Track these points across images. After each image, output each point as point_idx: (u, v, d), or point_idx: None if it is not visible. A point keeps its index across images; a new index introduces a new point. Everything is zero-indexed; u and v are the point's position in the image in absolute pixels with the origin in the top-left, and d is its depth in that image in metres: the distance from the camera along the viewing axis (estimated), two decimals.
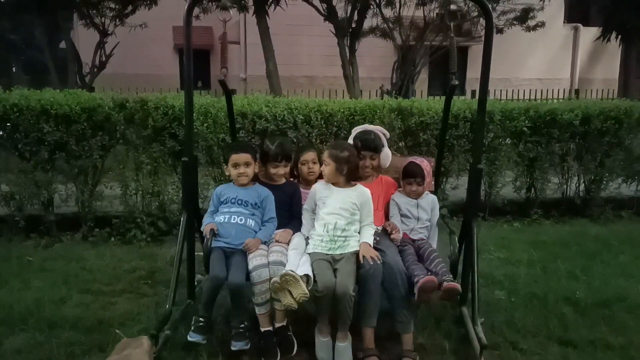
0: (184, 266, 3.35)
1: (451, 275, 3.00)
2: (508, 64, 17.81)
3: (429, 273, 2.97)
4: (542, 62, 18.47)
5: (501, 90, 14.26)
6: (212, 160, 5.27)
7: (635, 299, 3.74)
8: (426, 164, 3.47)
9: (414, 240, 3.29)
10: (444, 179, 5.93)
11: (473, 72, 18.49)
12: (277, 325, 3.04)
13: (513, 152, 6.01)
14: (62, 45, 15.68)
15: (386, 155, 3.42)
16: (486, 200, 6.13)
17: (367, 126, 3.54)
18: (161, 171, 5.28)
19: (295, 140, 5.12)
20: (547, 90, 14.96)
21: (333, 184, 3.14)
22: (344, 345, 2.93)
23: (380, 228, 3.26)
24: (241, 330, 2.94)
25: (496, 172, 5.99)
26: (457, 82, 3.32)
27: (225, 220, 3.18)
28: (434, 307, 3.55)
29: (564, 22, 18.95)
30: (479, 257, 4.47)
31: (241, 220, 3.18)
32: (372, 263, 2.92)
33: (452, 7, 10.96)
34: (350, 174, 3.11)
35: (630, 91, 13.01)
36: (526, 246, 4.92)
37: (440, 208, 5.69)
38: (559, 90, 15.11)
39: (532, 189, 6.26)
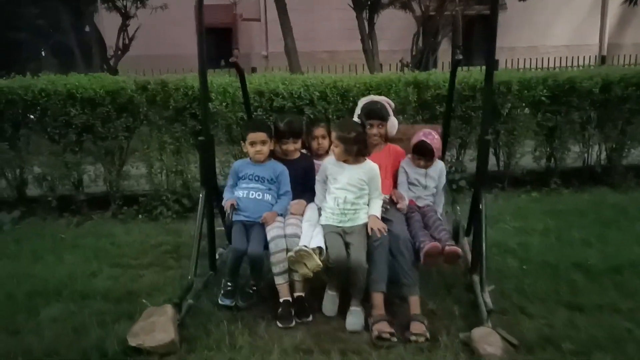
0: (205, 240, 3.55)
1: (453, 241, 3.17)
2: (534, 31, 17.38)
3: (433, 239, 3.13)
4: (569, 28, 17.91)
5: (525, 59, 14.02)
6: (232, 139, 5.43)
7: None
8: (436, 138, 3.55)
9: (420, 207, 3.44)
10: (463, 151, 5.97)
11: (498, 41, 18.09)
12: (296, 294, 3.24)
13: (532, 121, 5.99)
14: (87, 29, 15.95)
15: (392, 123, 3.58)
16: (505, 171, 6.15)
17: (373, 97, 3.69)
18: (183, 150, 5.46)
19: (311, 117, 5.22)
20: (575, 57, 14.59)
21: (343, 161, 3.26)
22: (357, 309, 3.12)
23: (388, 197, 3.40)
24: (250, 291, 3.34)
25: (515, 142, 5.98)
26: (461, 57, 3.37)
27: (244, 196, 3.41)
28: (446, 275, 3.66)
29: None
30: (495, 227, 4.61)
31: (259, 195, 3.41)
32: (379, 235, 3.10)
33: None
34: (359, 152, 3.24)
35: None
36: (542, 215, 4.95)
37: (459, 180, 5.84)
38: (585, 57, 14.73)
39: (552, 159, 6.23)
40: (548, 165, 6.26)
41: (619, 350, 2.73)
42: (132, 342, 2.81)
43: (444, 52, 15.86)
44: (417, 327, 2.95)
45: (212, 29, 14.99)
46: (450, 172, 5.96)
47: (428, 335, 2.91)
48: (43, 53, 19.04)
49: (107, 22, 15.80)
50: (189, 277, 3.31)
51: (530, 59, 14.02)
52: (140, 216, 5.33)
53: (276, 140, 3.54)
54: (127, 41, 14.82)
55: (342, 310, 3.18)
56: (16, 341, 2.93)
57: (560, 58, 14.33)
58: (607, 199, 5.48)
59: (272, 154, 3.55)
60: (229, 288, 3.28)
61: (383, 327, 2.93)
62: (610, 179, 6.17)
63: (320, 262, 3.04)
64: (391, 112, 3.61)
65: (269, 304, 3.32)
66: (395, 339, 2.89)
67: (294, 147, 3.55)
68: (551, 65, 13.75)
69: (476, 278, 3.36)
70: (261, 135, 3.43)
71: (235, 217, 3.34)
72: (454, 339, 2.89)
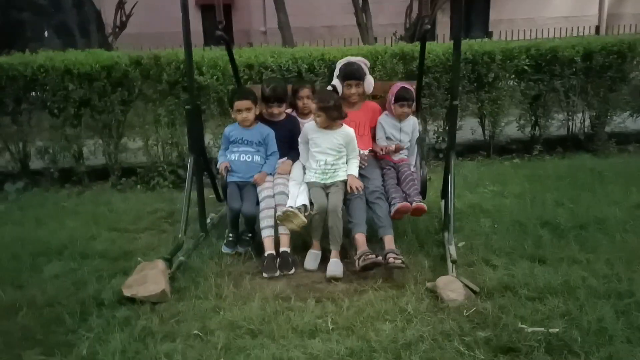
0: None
1: (420, 197, 3.55)
2: (532, 2, 17.36)
3: (404, 194, 3.53)
4: None
5: (525, 31, 14.04)
6: (224, 111, 5.63)
7: (613, 222, 3.97)
8: (413, 89, 3.82)
9: (395, 162, 3.75)
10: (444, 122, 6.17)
11: (496, 14, 18.13)
12: (281, 249, 3.53)
13: (516, 90, 6.17)
14: (85, 7, 16.04)
15: (369, 82, 3.84)
16: (490, 140, 6.35)
17: (350, 58, 3.93)
18: (178, 123, 5.69)
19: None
20: (574, 28, 14.61)
21: (324, 127, 3.56)
22: (335, 260, 3.44)
23: (367, 152, 3.72)
24: (247, 238, 3.77)
25: (499, 111, 6.17)
26: (429, 27, 3.58)
27: (236, 159, 3.79)
28: (420, 233, 3.90)
29: None
30: (474, 191, 4.85)
31: (249, 157, 3.79)
32: (356, 192, 3.49)
33: None
34: (338, 117, 3.55)
35: None
36: (521, 180, 5.17)
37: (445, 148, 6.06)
38: (584, 27, 14.74)
39: (537, 127, 6.42)
40: (533, 133, 6.46)
41: (571, 295, 2.96)
42: (127, 292, 3.08)
43: (443, 25, 15.94)
44: (394, 256, 3.30)
45: (209, 5, 15.09)
46: (438, 141, 6.18)
47: (402, 258, 3.27)
48: (46, 34, 19.20)
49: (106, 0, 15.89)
50: (179, 236, 3.58)
51: (531, 30, 14.03)
52: (138, 186, 5.60)
53: (263, 103, 3.85)
54: (124, 18, 14.94)
55: (321, 269, 3.46)
56: (21, 294, 3.21)
57: (560, 29, 14.35)
58: (585, 164, 5.68)
59: (260, 117, 3.87)
60: (230, 238, 3.76)
61: (368, 255, 3.27)
62: (593, 146, 6.38)
63: (305, 219, 3.41)
64: (367, 71, 3.88)
65: (253, 261, 3.60)
66: (380, 258, 3.25)
67: (278, 111, 3.88)
68: (551, 36, 13.77)
69: (446, 234, 3.60)
70: (246, 103, 3.75)
71: (229, 178, 3.75)
72: (420, 287, 3.15)
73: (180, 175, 5.63)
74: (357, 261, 3.31)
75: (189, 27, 3.61)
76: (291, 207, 3.47)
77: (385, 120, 3.83)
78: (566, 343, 2.52)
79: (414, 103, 3.84)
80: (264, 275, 3.38)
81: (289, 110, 4.00)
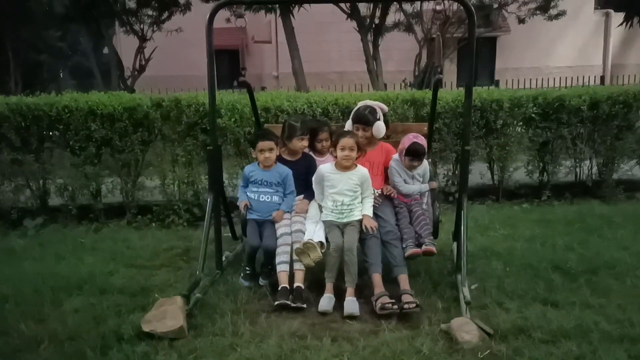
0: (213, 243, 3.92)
1: (432, 237, 3.65)
2: (537, 52, 17.79)
3: (416, 234, 3.65)
4: (572, 49, 18.31)
5: (530, 79, 14.37)
6: (239, 152, 5.81)
7: (623, 267, 4.02)
8: (424, 140, 3.93)
9: (407, 202, 3.87)
10: (459, 165, 6.28)
11: (502, 62, 18.55)
12: (296, 284, 3.62)
13: (524, 137, 6.31)
14: (105, 51, 16.67)
15: (377, 128, 3.94)
16: (499, 184, 6.46)
17: (368, 102, 4.09)
18: (195, 163, 5.85)
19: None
20: (579, 77, 14.92)
21: (344, 167, 3.70)
22: (351, 299, 3.49)
23: (379, 191, 3.87)
24: (266, 270, 3.89)
25: (507, 157, 6.29)
26: (441, 76, 3.75)
27: (255, 198, 3.95)
28: (433, 275, 3.96)
29: (595, 8, 18.69)
30: (484, 234, 4.92)
31: (268, 198, 3.95)
32: (371, 232, 3.61)
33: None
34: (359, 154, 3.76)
35: None
36: (531, 224, 5.24)
37: (455, 192, 6.16)
38: (590, 77, 15.04)
39: (545, 173, 6.53)
40: (541, 179, 6.56)
41: (584, 339, 3.00)
42: (146, 328, 3.15)
43: (451, 73, 16.33)
44: (408, 298, 3.39)
45: (225, 50, 15.61)
46: (447, 185, 6.29)
47: (417, 302, 3.33)
48: (62, 74, 19.83)
49: (125, 44, 16.50)
50: (197, 273, 3.66)
51: (537, 79, 14.35)
52: (153, 224, 5.71)
53: (287, 141, 4.02)
54: (143, 62, 15.49)
55: (336, 308, 3.50)
56: (42, 327, 3.27)
57: (566, 78, 14.67)
58: (594, 210, 5.75)
59: (279, 156, 4.04)
60: (247, 272, 3.91)
61: (385, 300, 3.35)
62: (601, 193, 6.45)
63: (321, 254, 3.56)
64: (380, 116, 3.99)
65: (268, 299, 3.65)
66: (396, 307, 3.30)
67: (307, 143, 4.06)
68: (556, 85, 14.06)
69: (459, 276, 3.66)
70: (269, 144, 3.92)
71: (249, 216, 3.92)
72: (435, 328, 3.19)
73: (195, 213, 5.75)
74: (374, 302, 3.40)
75: (214, 72, 3.81)
76: (310, 239, 3.61)
77: (398, 165, 3.93)
78: None
79: (424, 155, 3.91)
80: (277, 302, 3.46)
81: (305, 150, 4.14)
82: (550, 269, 4.04)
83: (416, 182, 3.92)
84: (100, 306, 3.57)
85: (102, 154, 5.75)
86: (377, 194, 3.83)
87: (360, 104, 4.11)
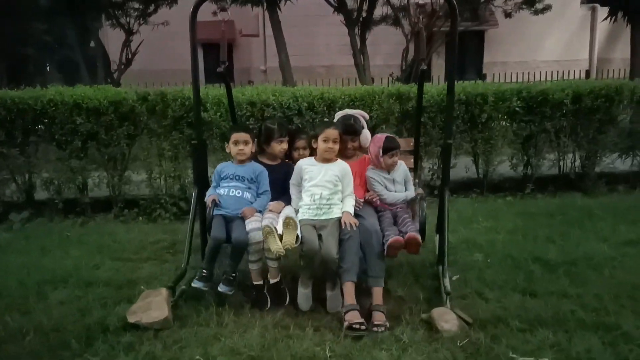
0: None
1: (417, 232, 3.45)
2: (524, 46, 17.92)
3: (400, 234, 3.44)
4: (559, 44, 18.46)
5: (517, 73, 14.48)
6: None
7: (601, 259, 4.11)
8: (392, 135, 3.84)
9: (391, 208, 3.69)
10: (438, 160, 6.35)
11: (490, 56, 18.67)
12: (272, 281, 3.53)
13: (508, 131, 6.39)
14: (92, 44, 16.55)
15: (365, 136, 3.85)
16: (483, 178, 6.54)
17: (348, 111, 3.99)
18: (181, 157, 5.87)
19: (299, 126, 5.62)
20: (565, 71, 15.07)
21: (324, 160, 3.60)
22: (333, 293, 3.46)
23: (362, 200, 3.68)
24: (231, 278, 3.50)
25: (492, 150, 6.37)
26: (425, 67, 3.76)
27: (225, 193, 3.67)
28: (415, 267, 4.02)
29: (581, 3, 18.85)
30: (467, 227, 4.99)
31: (239, 193, 3.67)
32: (350, 229, 3.41)
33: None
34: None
35: (638, 71, 12.80)
36: (513, 217, 5.32)
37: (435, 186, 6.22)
38: (575, 71, 15.20)
39: (529, 166, 6.62)
40: (525, 172, 6.65)
41: (560, 327, 3.08)
42: (131, 319, 3.18)
43: (439, 67, 16.41)
44: (378, 318, 3.20)
45: (212, 44, 15.55)
46: (432, 179, 6.36)
47: (387, 325, 3.16)
48: (48, 68, 19.65)
49: (111, 38, 16.39)
50: (182, 266, 3.69)
51: (523, 73, 14.45)
52: (140, 218, 5.72)
53: (264, 143, 3.84)
54: (130, 56, 15.40)
55: (317, 299, 3.50)
56: (28, 319, 3.30)
57: (552, 72, 14.79)
58: (576, 203, 5.85)
59: (253, 158, 3.84)
60: (203, 274, 3.45)
61: (353, 318, 3.14)
62: (584, 185, 6.56)
63: (294, 242, 3.30)
64: (365, 125, 3.90)
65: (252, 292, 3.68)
66: (364, 328, 3.11)
67: (286, 146, 3.84)
68: (543, 80, 14.18)
69: (440, 268, 3.73)
70: (244, 136, 3.71)
71: (216, 212, 3.59)
72: (415, 318, 3.26)
73: (182, 207, 5.77)
74: (343, 315, 3.21)
75: (197, 66, 3.81)
76: (291, 217, 3.39)
77: (374, 174, 3.72)
78: None
79: (400, 147, 3.77)
80: (257, 309, 3.42)
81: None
82: (531, 260, 4.11)
83: (397, 185, 3.73)
84: (85, 298, 3.60)
85: (88, 147, 5.75)
86: (359, 201, 3.61)
87: (339, 113, 3.97)
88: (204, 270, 3.47)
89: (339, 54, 16.73)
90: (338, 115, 3.98)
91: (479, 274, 3.87)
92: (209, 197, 3.68)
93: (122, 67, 15.43)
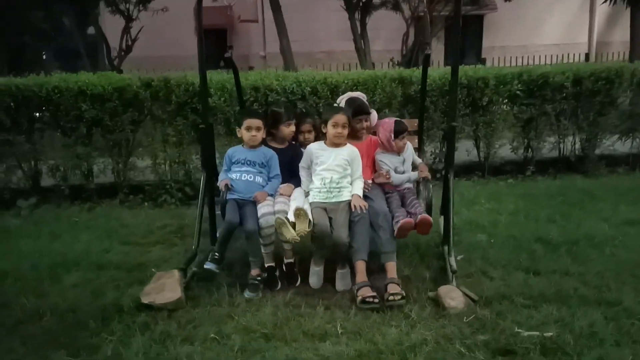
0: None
1: (426, 213, 3.55)
2: (524, 30, 17.89)
3: (409, 215, 3.55)
4: (558, 27, 18.42)
5: (517, 57, 14.48)
6: (230, 131, 5.86)
7: (603, 238, 4.19)
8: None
9: (399, 190, 3.79)
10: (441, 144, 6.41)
11: (489, 41, 18.63)
12: (286, 261, 3.65)
13: (509, 114, 6.44)
14: (91, 31, 16.50)
15: (374, 116, 3.96)
16: (485, 161, 6.60)
17: (350, 94, 4.06)
18: (185, 142, 5.90)
19: (303, 110, 5.67)
20: (565, 55, 15.06)
21: (334, 144, 3.66)
22: (344, 272, 3.56)
23: (370, 181, 3.76)
24: (256, 282, 3.52)
25: (493, 134, 6.43)
26: (430, 51, 3.81)
27: (237, 178, 3.74)
28: (421, 247, 4.10)
29: None
30: (470, 208, 5.06)
31: (250, 177, 3.74)
32: (360, 212, 3.51)
33: None
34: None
35: (637, 54, 12.78)
36: (515, 198, 5.40)
37: (443, 169, 6.28)
38: (575, 54, 15.19)
39: (529, 149, 6.68)
40: (525, 155, 6.71)
41: (563, 303, 3.16)
42: (145, 299, 3.26)
43: (438, 52, 16.38)
44: (394, 288, 3.31)
45: (210, 30, 15.52)
46: (435, 162, 6.42)
47: (404, 293, 3.27)
48: (48, 55, 19.59)
49: (111, 25, 16.30)
50: (193, 248, 3.77)
51: (523, 57, 14.44)
52: (146, 204, 5.78)
53: (273, 128, 3.90)
54: (130, 42, 15.34)
55: (327, 279, 3.61)
56: (43, 301, 3.36)
57: (552, 56, 14.78)
58: (577, 184, 5.94)
59: (263, 142, 3.90)
60: (215, 256, 3.52)
61: (366, 292, 3.26)
62: (584, 167, 6.63)
63: (307, 228, 3.42)
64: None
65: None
66: (377, 301, 3.23)
67: (294, 129, 3.92)
68: (542, 63, 14.17)
69: (446, 248, 3.80)
70: (257, 122, 3.77)
71: (229, 196, 3.66)
72: (423, 295, 3.34)
73: (187, 192, 5.82)
74: (355, 292, 3.32)
75: (203, 50, 3.85)
76: (301, 207, 3.46)
77: (384, 157, 3.83)
78: (559, 346, 2.71)
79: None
80: (269, 289, 3.51)
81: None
82: (533, 240, 4.20)
83: (407, 164, 3.84)
84: (98, 281, 3.68)
85: (93, 134, 5.79)
86: (367, 183, 3.69)
87: (344, 96, 4.03)
88: (216, 254, 3.53)
89: (339, 39, 16.65)
90: (342, 98, 4.05)
91: (483, 254, 3.96)
92: (222, 182, 3.73)
93: (122, 53, 15.39)
